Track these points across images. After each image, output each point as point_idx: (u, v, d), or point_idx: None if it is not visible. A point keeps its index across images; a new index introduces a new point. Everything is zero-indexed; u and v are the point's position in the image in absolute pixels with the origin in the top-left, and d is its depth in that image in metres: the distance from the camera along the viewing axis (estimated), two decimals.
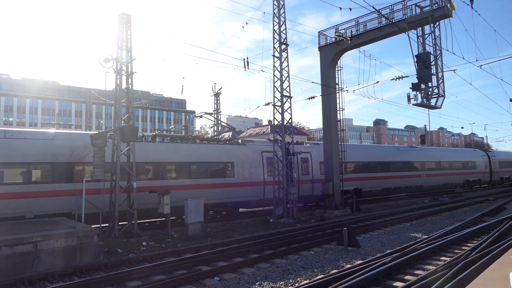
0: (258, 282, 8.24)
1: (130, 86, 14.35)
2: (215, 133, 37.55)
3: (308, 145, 24.16)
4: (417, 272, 8.60)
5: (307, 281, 7.82)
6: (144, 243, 12.34)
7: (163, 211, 13.81)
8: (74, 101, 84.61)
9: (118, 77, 14.17)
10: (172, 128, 72.68)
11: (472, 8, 15.49)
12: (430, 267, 8.91)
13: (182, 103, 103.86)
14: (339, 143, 21.08)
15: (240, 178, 18.89)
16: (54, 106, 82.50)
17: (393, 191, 27.50)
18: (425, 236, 12.35)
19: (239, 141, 20.60)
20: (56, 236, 9.44)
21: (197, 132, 78.01)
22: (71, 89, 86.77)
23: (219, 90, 37.66)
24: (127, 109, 14.45)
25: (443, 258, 9.88)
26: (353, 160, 24.39)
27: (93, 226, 11.51)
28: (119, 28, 14.19)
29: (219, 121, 31.72)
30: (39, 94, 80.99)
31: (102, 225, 13.55)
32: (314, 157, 22.45)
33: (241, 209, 20.28)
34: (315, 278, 8.03)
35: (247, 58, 18.72)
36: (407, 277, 8.23)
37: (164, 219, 15.47)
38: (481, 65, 16.79)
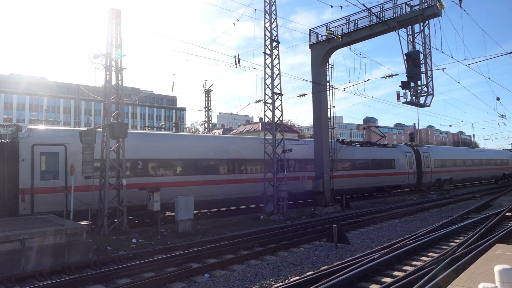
0: (248, 279, 8.27)
1: (120, 82, 14.21)
2: (206, 130, 37.44)
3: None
4: (405, 268, 8.73)
5: (297, 278, 7.88)
6: (133, 241, 12.27)
7: (153, 208, 13.74)
8: (63, 97, 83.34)
9: (107, 73, 14.03)
10: (162, 125, 72.15)
11: (461, 7, 15.70)
12: (418, 263, 9.05)
13: (172, 100, 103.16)
14: (330, 140, 21.21)
15: None
16: (42, 102, 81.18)
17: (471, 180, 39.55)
18: (414, 233, 12.52)
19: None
20: (44, 233, 9.32)
21: (187, 129, 77.67)
22: (59, 85, 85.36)
23: (210, 87, 37.52)
24: (116, 105, 14.31)
25: (430, 254, 10.03)
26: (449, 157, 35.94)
27: (82, 223, 11.40)
28: (109, 23, 14.03)
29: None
30: (27, 90, 79.58)
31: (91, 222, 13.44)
32: (432, 156, 30.35)
33: (237, 206, 20.79)
34: (305, 275, 8.08)
35: (238, 55, 18.67)
36: (396, 273, 8.34)
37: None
38: (469, 64, 17.10)
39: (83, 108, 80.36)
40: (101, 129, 14.13)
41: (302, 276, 7.99)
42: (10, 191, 13.43)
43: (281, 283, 7.86)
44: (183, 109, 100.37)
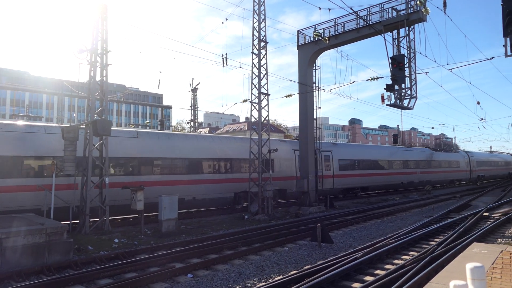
0: (232, 279, 8.26)
1: (104, 78, 13.99)
2: (192, 129, 37.23)
3: (470, 151, 35.22)
4: (387, 266, 8.87)
5: (281, 277, 7.91)
6: (116, 240, 12.11)
7: (136, 207, 13.58)
8: (46, 92, 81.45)
9: (92, 68, 13.79)
10: (147, 122, 71.39)
11: (445, 13, 16.02)
12: (399, 261, 9.22)
13: (158, 97, 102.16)
14: (315, 141, 21.37)
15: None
16: (24, 97, 79.22)
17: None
18: (395, 232, 12.75)
19: None
20: (22, 233, 9.10)
21: (173, 127, 77.05)
22: (42, 80, 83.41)
23: (196, 85, 37.31)
24: (101, 102, 14.09)
25: (411, 252, 10.23)
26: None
27: (62, 222, 11.19)
28: (95, 18, 13.79)
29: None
30: (8, 84, 77.51)
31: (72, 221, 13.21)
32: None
33: (223, 206, 20.76)
34: (289, 274, 8.13)
35: (226, 54, 18.62)
36: (377, 271, 8.47)
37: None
38: (451, 69, 17.42)
39: (67, 104, 78.87)
40: (84, 126, 13.89)
41: (286, 275, 8.04)
42: None
43: (264, 283, 7.88)
44: (169, 107, 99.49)
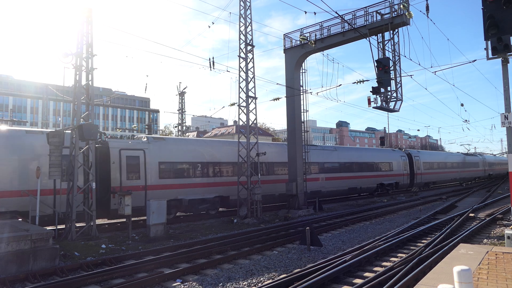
0: (221, 283, 8.21)
1: (90, 82, 13.80)
2: (179, 133, 37.00)
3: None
4: (375, 268, 8.94)
5: (270, 281, 7.89)
6: (103, 246, 11.91)
7: (124, 212, 13.41)
8: (30, 96, 79.88)
9: (77, 73, 13.59)
10: (134, 127, 70.67)
11: (428, 17, 16.35)
12: (388, 263, 9.30)
13: (145, 101, 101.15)
14: (303, 144, 21.47)
15: None
16: (7, 101, 77.54)
17: None
18: (384, 234, 12.86)
19: None
20: (6, 239, 8.88)
21: (161, 131, 76.43)
22: (26, 84, 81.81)
23: (184, 89, 37.17)
24: (87, 106, 13.88)
25: (400, 254, 10.33)
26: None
27: (48, 228, 10.96)
28: (80, 22, 13.61)
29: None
30: None
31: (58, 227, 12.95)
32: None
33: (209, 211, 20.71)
34: (278, 278, 8.12)
35: (213, 58, 18.61)
36: (366, 274, 8.53)
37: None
38: (435, 71, 17.78)
39: (52, 109, 77.38)
40: (70, 131, 13.67)
41: (275, 279, 8.03)
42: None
43: (254, 287, 7.86)
44: (157, 111, 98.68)
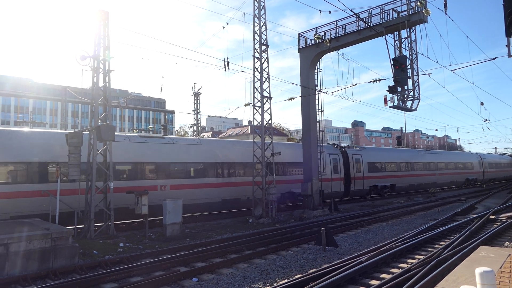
0: (237, 283, 8.24)
1: (107, 84, 14.06)
2: (195, 133, 37.30)
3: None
4: (392, 270, 8.81)
5: (285, 281, 7.88)
6: (121, 244, 12.12)
7: (141, 211, 13.60)
8: (49, 99, 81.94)
9: (95, 75, 13.88)
10: (150, 127, 71.61)
11: (446, 14, 16.00)
12: (405, 265, 9.15)
13: (161, 102, 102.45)
14: (318, 144, 21.34)
15: None
16: (28, 104, 79.75)
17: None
18: (400, 235, 12.67)
19: None
20: (29, 238, 9.14)
21: (176, 132, 77.23)
22: (46, 87, 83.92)
23: (199, 90, 37.43)
24: (104, 108, 14.16)
25: (417, 256, 10.16)
26: None
27: (68, 227, 11.22)
28: (97, 25, 13.89)
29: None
30: (13, 91, 78.07)
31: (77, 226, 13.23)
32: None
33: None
34: (293, 278, 8.10)
35: (227, 58, 18.69)
36: (383, 275, 8.42)
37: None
38: (454, 70, 17.33)
39: (70, 110, 79.08)
40: (88, 132, 13.96)
41: (290, 279, 8.01)
42: None
43: (269, 286, 7.87)
44: (172, 112, 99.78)
